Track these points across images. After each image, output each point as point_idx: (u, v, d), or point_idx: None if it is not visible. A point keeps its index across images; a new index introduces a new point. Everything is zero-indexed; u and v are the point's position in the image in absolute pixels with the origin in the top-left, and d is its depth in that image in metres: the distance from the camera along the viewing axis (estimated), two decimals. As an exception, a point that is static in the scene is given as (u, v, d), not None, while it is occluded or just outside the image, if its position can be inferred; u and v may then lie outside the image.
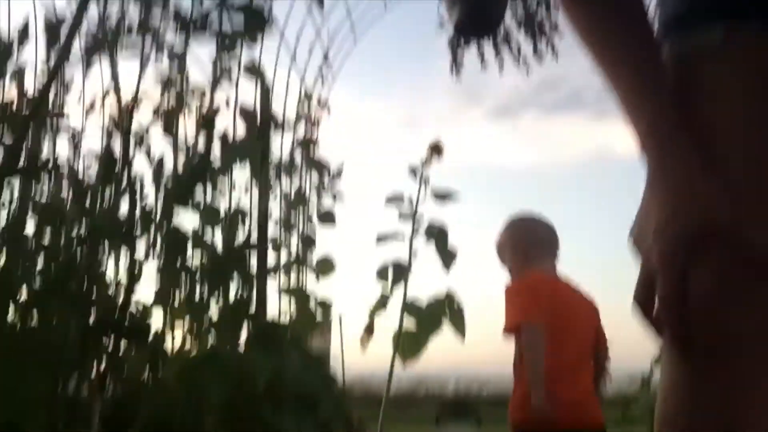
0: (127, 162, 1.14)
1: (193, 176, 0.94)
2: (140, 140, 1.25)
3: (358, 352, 3.57)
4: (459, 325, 3.24)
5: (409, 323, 3.52)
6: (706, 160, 0.71)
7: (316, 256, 3.24)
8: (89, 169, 1.15)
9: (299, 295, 2.39)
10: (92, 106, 1.32)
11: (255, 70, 2.39)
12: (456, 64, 5.30)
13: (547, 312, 2.15)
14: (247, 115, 2.12)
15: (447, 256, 3.52)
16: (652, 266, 0.70)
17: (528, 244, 2.34)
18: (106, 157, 1.05)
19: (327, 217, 3.34)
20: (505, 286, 2.31)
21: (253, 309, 2.17)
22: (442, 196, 3.65)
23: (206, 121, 1.10)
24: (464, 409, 2.34)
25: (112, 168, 1.06)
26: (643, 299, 0.74)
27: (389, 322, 3.51)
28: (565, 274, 2.35)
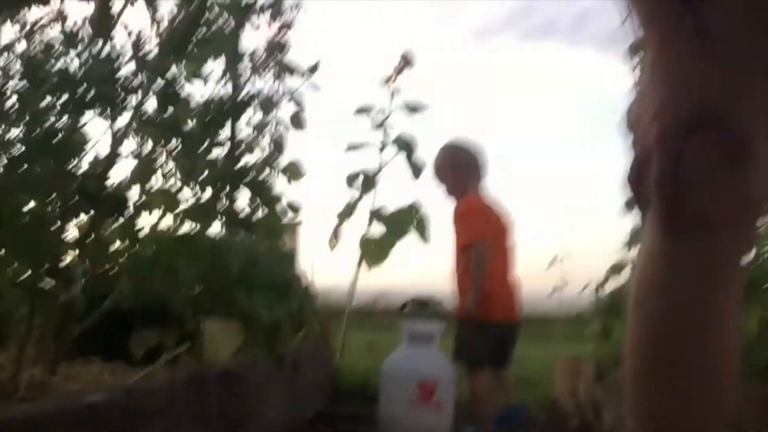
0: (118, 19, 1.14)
1: (188, 28, 0.96)
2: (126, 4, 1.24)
3: (322, 264, 3.66)
4: (424, 231, 3.35)
5: (376, 230, 3.63)
6: (704, 49, 0.75)
7: (286, 160, 3.28)
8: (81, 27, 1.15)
9: (268, 194, 2.43)
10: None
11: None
12: None
13: (489, 230, 2.62)
14: (220, 5, 2.10)
15: (415, 168, 3.60)
16: (647, 146, 0.76)
17: (465, 168, 2.77)
18: (100, 12, 1.05)
19: (297, 121, 3.36)
20: (455, 210, 2.68)
21: (224, 203, 2.22)
22: (412, 108, 3.69)
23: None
24: (427, 305, 2.45)
25: (108, 22, 1.06)
26: (635, 178, 0.80)
27: (355, 231, 3.60)
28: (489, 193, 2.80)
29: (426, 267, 3.05)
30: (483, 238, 2.56)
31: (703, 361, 0.74)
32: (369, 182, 3.61)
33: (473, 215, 2.67)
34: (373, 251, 3.45)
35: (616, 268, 3.67)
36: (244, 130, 2.95)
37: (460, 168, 2.77)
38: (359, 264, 3.52)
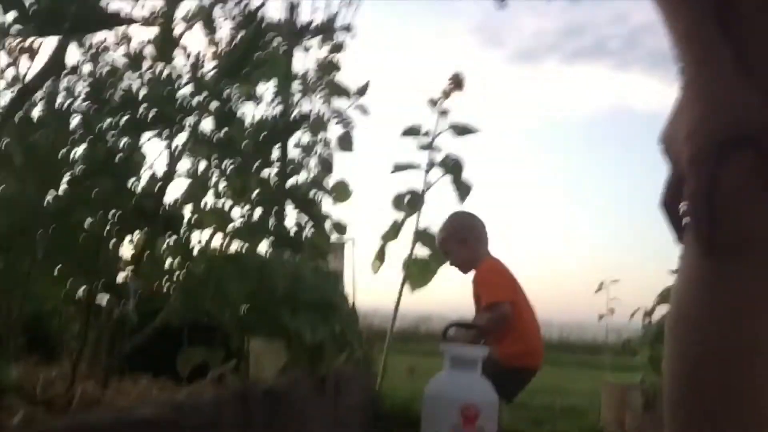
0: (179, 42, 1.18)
1: (244, 51, 0.98)
2: (186, 29, 1.28)
3: (366, 285, 3.67)
4: (469, 254, 3.33)
5: (421, 252, 3.61)
6: (740, 69, 0.74)
7: (333, 180, 3.30)
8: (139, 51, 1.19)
9: (316, 214, 2.45)
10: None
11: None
12: None
13: (511, 289, 2.90)
14: (274, 28, 2.14)
15: (462, 189, 3.58)
16: (682, 167, 0.74)
17: (474, 237, 3.04)
18: (162, 36, 1.09)
19: (345, 143, 3.38)
20: (477, 274, 2.93)
21: (272, 222, 2.24)
22: (460, 130, 3.68)
23: (250, 17, 1.13)
24: (470, 329, 2.40)
25: (169, 45, 1.10)
26: (670, 200, 0.78)
27: (399, 253, 3.60)
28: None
29: (469, 291, 3.03)
30: (510, 299, 2.82)
31: (743, 388, 0.71)
32: (414, 203, 3.61)
33: (498, 276, 2.93)
34: (417, 274, 3.44)
35: (665, 295, 3.57)
36: (293, 150, 2.99)
37: (470, 236, 3.02)
38: (402, 286, 3.51)
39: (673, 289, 0.81)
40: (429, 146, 3.57)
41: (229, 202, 1.95)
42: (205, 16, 1.35)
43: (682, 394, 0.75)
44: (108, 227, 1.29)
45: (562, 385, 5.38)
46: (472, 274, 2.98)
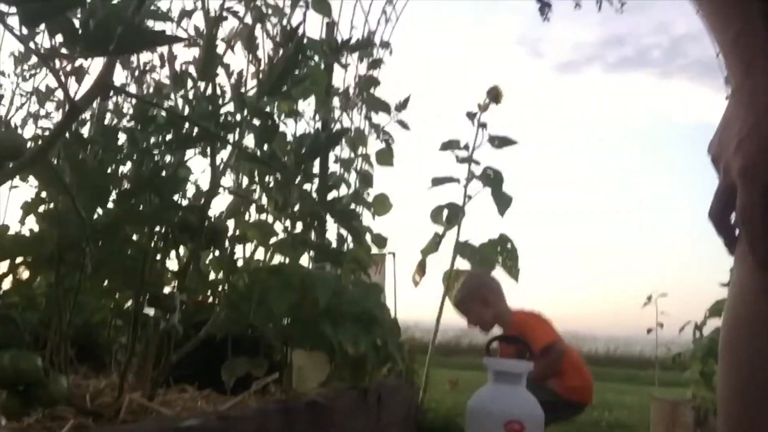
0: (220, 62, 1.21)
1: (285, 68, 1.00)
2: (228, 48, 1.32)
3: (408, 298, 3.68)
4: (512, 266, 3.30)
5: (461, 265, 3.59)
6: None
7: (373, 194, 3.32)
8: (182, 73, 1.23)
9: (357, 227, 2.47)
10: (181, 16, 1.39)
11: (322, 2, 2.44)
12: (544, 5, 5.17)
13: (555, 329, 2.97)
14: (313, 45, 2.17)
15: (502, 202, 3.56)
16: (732, 177, 0.72)
17: (496, 295, 3.15)
18: (205, 55, 1.12)
19: (385, 158, 3.40)
20: (516, 325, 2.97)
21: (313, 235, 2.26)
22: (500, 142, 3.66)
23: (289, 35, 1.15)
24: (515, 343, 2.37)
25: (212, 64, 1.13)
26: (720, 211, 0.76)
27: (440, 266, 3.59)
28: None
29: (514, 303, 3.01)
30: (559, 338, 2.94)
31: None
32: (454, 216, 3.59)
33: (538, 320, 3.01)
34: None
35: (716, 309, 3.47)
36: (333, 165, 3.02)
37: (491, 295, 3.10)
38: (443, 300, 3.49)
39: (726, 303, 0.79)
40: (468, 159, 3.56)
41: (271, 217, 1.98)
42: (246, 35, 1.38)
43: (738, 409, 0.73)
44: (154, 241, 1.32)
45: (609, 399, 5.26)
46: (492, 332, 3.07)
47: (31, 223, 1.45)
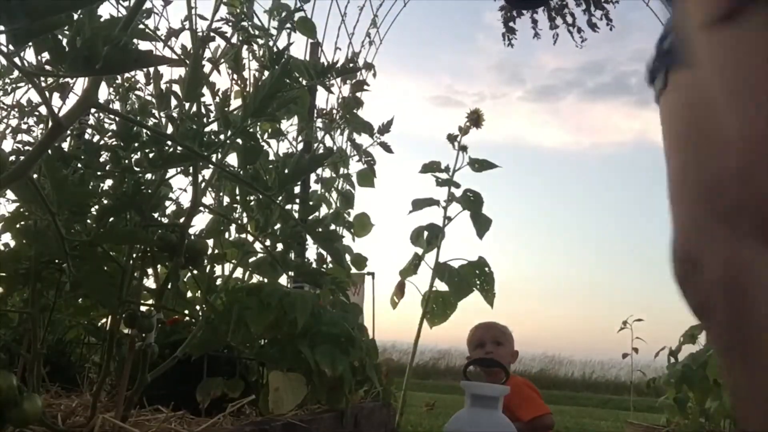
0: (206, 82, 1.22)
1: (270, 90, 1.00)
2: (214, 68, 1.32)
3: (386, 320, 3.67)
4: (489, 290, 3.31)
5: (440, 287, 3.60)
6: None
7: (353, 214, 3.32)
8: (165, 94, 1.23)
9: (336, 248, 2.47)
10: (169, 36, 1.40)
11: (307, 24, 2.46)
12: (508, 32, 5.26)
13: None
14: (298, 67, 2.19)
15: (481, 224, 3.58)
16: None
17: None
18: (191, 75, 1.12)
19: (366, 179, 3.42)
20: (514, 385, 2.87)
21: (293, 256, 2.26)
22: (479, 165, 3.70)
23: (276, 57, 1.16)
24: (491, 366, 2.35)
25: (197, 84, 1.13)
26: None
27: (418, 288, 3.59)
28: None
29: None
30: (548, 411, 2.98)
31: None
32: (433, 238, 3.61)
33: (532, 389, 3.06)
34: (436, 309, 3.43)
35: (690, 335, 3.50)
36: (314, 185, 3.02)
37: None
38: (422, 321, 3.49)
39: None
40: (449, 182, 3.59)
41: (250, 236, 1.98)
42: (232, 56, 1.39)
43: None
44: (133, 259, 1.31)
45: (585, 425, 5.27)
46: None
47: (8, 239, 1.43)
